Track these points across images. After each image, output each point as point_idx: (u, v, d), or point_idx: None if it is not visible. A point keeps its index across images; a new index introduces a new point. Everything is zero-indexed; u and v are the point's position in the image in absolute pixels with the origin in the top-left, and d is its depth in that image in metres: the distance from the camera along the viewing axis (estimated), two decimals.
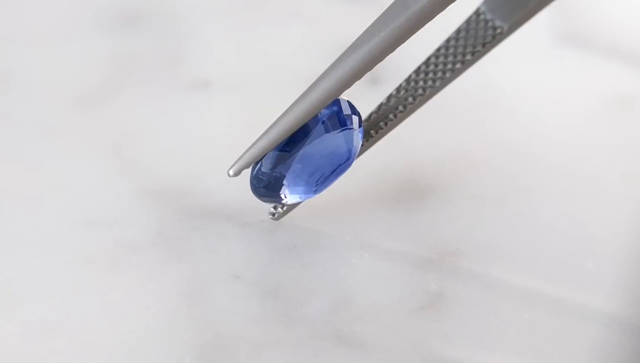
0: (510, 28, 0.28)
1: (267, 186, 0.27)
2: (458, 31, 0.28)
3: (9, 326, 0.26)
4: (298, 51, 0.36)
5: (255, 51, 0.36)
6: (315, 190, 0.27)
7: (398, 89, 0.28)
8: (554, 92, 0.34)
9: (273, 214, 0.28)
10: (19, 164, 0.31)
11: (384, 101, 0.28)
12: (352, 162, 0.27)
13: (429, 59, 0.28)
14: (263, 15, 0.38)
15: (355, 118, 0.27)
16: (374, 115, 0.28)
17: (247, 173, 0.28)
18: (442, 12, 0.25)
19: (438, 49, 0.28)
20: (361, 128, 0.27)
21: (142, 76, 0.35)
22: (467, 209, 0.29)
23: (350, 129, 0.27)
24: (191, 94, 0.34)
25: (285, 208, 0.28)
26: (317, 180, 0.27)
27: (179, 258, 0.28)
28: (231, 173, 0.26)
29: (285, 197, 0.27)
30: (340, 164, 0.27)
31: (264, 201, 0.28)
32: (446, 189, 0.30)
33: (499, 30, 0.27)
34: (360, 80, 0.34)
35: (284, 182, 0.27)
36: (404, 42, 0.26)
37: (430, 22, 0.26)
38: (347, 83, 0.26)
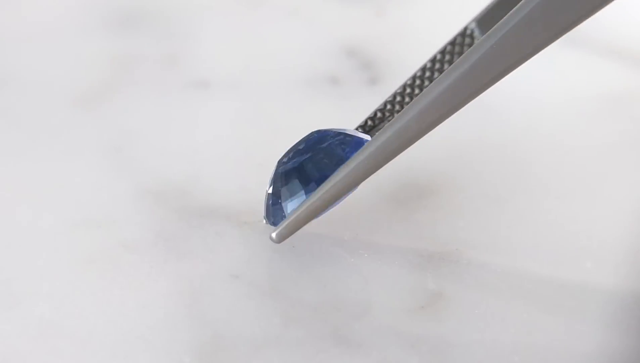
0: None
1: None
2: (443, 51, 0.28)
3: (8, 326, 0.26)
4: (298, 50, 0.36)
5: (255, 51, 0.36)
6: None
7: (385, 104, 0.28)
8: (553, 92, 0.34)
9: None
10: (19, 164, 0.31)
11: (378, 112, 0.28)
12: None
13: (414, 77, 0.28)
14: (263, 15, 0.38)
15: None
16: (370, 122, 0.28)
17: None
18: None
19: (423, 69, 0.28)
20: None
21: (142, 75, 0.35)
22: (466, 208, 0.29)
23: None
24: (191, 94, 0.34)
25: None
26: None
27: (178, 258, 0.28)
28: (275, 237, 0.27)
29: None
30: None
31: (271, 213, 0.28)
32: (445, 189, 0.30)
33: None
34: (359, 80, 0.34)
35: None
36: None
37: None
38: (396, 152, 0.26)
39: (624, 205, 0.30)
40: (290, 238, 0.28)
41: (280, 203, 0.27)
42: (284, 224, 0.27)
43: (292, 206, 0.27)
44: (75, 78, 0.34)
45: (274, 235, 0.27)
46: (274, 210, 0.27)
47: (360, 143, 0.27)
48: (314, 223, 0.28)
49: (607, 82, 0.35)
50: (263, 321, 0.26)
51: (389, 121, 0.28)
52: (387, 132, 0.26)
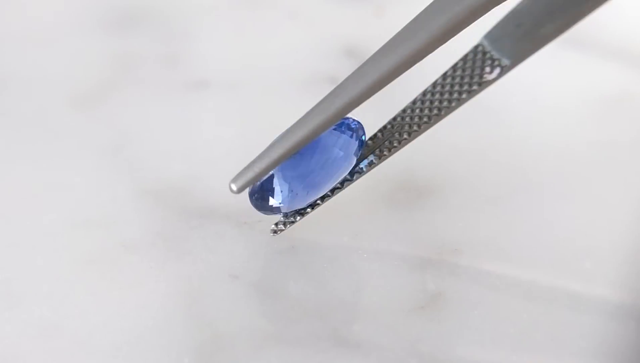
0: (513, 63, 0.28)
1: (257, 196, 0.27)
2: (455, 67, 0.28)
3: (8, 326, 0.26)
4: (298, 50, 0.36)
5: (255, 51, 0.36)
6: (305, 195, 0.27)
7: (394, 118, 0.28)
8: (553, 92, 0.34)
9: (275, 232, 0.28)
10: (18, 164, 0.31)
11: (388, 124, 0.28)
12: (347, 166, 0.27)
13: (424, 93, 0.28)
14: (263, 15, 0.38)
15: (353, 125, 0.27)
16: (380, 137, 0.28)
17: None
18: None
19: (434, 85, 0.28)
20: (361, 135, 0.27)
21: (142, 75, 0.35)
22: (465, 209, 0.29)
23: (345, 134, 0.27)
24: (191, 94, 0.34)
25: (286, 224, 0.28)
26: (306, 185, 0.27)
27: (177, 258, 0.28)
28: (234, 188, 0.26)
29: (275, 203, 0.27)
30: (332, 168, 0.27)
31: (265, 214, 0.27)
32: (444, 189, 0.30)
33: (498, 64, 0.27)
34: None
35: (268, 187, 0.27)
36: (415, 63, 0.25)
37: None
38: (359, 102, 0.25)
39: (623, 205, 0.30)
40: (290, 238, 0.28)
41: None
42: (243, 172, 0.26)
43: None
44: (75, 78, 0.34)
45: (233, 185, 0.26)
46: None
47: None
48: (313, 223, 0.28)
49: (607, 82, 0.35)
50: (262, 321, 0.26)
51: (398, 134, 0.28)
52: (345, 82, 0.25)
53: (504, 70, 0.27)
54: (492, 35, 0.28)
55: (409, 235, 0.28)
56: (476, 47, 0.28)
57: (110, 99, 0.34)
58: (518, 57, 0.27)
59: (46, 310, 0.26)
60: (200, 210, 0.29)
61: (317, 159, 0.27)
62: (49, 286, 0.27)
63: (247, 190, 0.27)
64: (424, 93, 0.28)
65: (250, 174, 0.26)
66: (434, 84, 0.28)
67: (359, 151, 0.27)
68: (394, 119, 0.28)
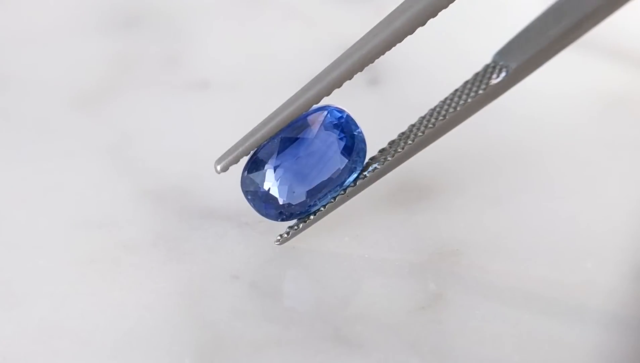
0: (520, 69, 0.28)
1: (252, 192, 0.27)
2: (465, 83, 0.28)
3: (8, 326, 0.26)
4: (298, 51, 0.36)
5: (255, 51, 0.36)
6: (303, 193, 0.27)
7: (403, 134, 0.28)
8: (553, 92, 0.34)
9: (279, 241, 0.28)
10: (19, 164, 0.31)
11: (397, 138, 0.28)
12: (339, 160, 0.27)
13: (434, 108, 0.28)
14: (263, 15, 0.38)
15: (347, 126, 0.27)
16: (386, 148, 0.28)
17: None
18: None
19: (444, 100, 0.28)
20: (351, 126, 0.27)
21: (142, 76, 0.35)
22: (466, 209, 0.29)
23: (333, 131, 0.27)
24: (191, 94, 0.34)
25: (290, 233, 0.28)
26: (301, 179, 0.27)
27: (178, 259, 0.28)
28: (218, 168, 0.26)
29: (275, 195, 0.27)
30: (325, 166, 0.27)
31: (266, 216, 0.27)
32: (445, 189, 0.30)
33: (505, 70, 0.28)
34: (359, 80, 0.34)
35: (264, 185, 0.27)
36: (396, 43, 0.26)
37: (430, 25, 0.26)
38: (340, 83, 0.26)
39: (624, 205, 0.30)
40: (290, 239, 0.28)
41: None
42: (226, 154, 0.26)
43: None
44: (75, 78, 0.34)
45: (218, 166, 0.26)
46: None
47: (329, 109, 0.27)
48: (314, 224, 0.28)
49: (608, 82, 0.35)
50: (263, 322, 0.26)
51: (403, 142, 0.28)
52: (326, 69, 0.26)
53: (510, 74, 0.27)
54: (503, 51, 0.28)
55: (409, 235, 0.28)
56: (487, 65, 0.28)
57: (111, 99, 0.34)
58: (525, 62, 0.27)
59: (47, 310, 0.26)
60: (201, 210, 0.29)
61: (307, 152, 0.27)
62: (49, 287, 0.27)
63: (245, 192, 0.27)
64: (433, 108, 0.28)
65: (233, 154, 0.26)
66: (444, 100, 0.28)
67: (352, 146, 0.27)
68: (403, 133, 0.28)
